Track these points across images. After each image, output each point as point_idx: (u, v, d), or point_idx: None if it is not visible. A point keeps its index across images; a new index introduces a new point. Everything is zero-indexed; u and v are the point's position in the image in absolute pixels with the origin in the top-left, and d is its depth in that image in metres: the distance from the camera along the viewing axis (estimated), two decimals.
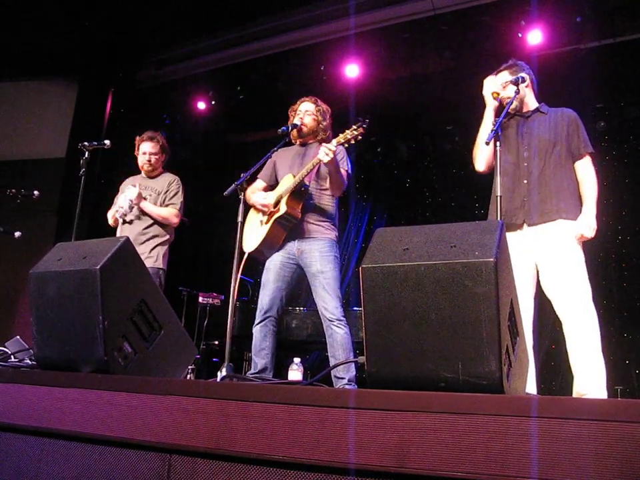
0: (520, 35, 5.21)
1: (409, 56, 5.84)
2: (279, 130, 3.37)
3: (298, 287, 3.87)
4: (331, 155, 3.10)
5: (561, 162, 2.95)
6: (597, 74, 5.32)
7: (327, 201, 3.47)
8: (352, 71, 5.94)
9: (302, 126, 3.53)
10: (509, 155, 2.99)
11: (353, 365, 3.22)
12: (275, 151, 3.45)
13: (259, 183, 3.67)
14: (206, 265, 7.29)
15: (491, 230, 1.59)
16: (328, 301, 3.26)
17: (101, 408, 1.73)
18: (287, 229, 3.38)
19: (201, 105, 6.84)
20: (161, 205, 4.01)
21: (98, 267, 1.93)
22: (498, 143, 2.74)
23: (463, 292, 1.48)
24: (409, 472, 1.27)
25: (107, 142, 3.92)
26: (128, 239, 2.14)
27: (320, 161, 3.15)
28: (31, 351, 2.80)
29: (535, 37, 5.15)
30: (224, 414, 1.53)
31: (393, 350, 1.55)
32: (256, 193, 3.56)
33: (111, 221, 4.08)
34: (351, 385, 3.19)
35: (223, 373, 2.56)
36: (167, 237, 4.02)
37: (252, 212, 3.60)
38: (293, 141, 3.63)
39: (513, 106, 2.96)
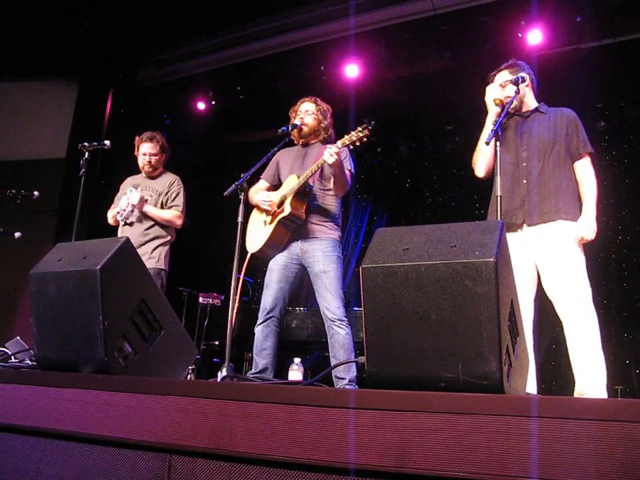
0: (520, 35, 5.20)
1: (409, 56, 5.84)
2: (279, 130, 3.37)
3: (299, 287, 3.88)
4: (336, 157, 3.11)
5: (560, 162, 2.94)
6: (597, 74, 5.32)
7: (330, 201, 3.47)
8: (352, 71, 5.94)
9: (302, 126, 3.53)
10: (508, 155, 2.99)
11: (354, 365, 3.21)
12: (275, 151, 3.45)
13: (262, 183, 3.67)
14: (206, 266, 7.29)
15: (491, 230, 1.59)
16: (330, 301, 3.26)
17: (101, 408, 1.73)
18: (291, 229, 3.38)
19: (201, 105, 6.84)
20: (162, 206, 4.01)
21: (98, 267, 1.93)
22: (498, 143, 2.74)
23: (463, 292, 1.48)
24: (409, 472, 1.27)
25: (107, 142, 3.92)
26: (128, 239, 2.14)
27: (324, 161, 3.16)
28: (31, 351, 2.80)
29: (534, 36, 5.15)
30: (224, 414, 1.53)
31: (393, 350, 1.54)
32: (259, 193, 3.56)
33: (111, 220, 4.08)
34: (351, 385, 3.18)
35: (223, 373, 2.56)
36: (168, 237, 4.02)
37: (255, 212, 3.60)
38: (295, 142, 3.64)
39: (512, 105, 2.96)
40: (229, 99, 6.81)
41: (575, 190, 2.94)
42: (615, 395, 4.21)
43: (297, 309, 5.35)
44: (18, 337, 3.17)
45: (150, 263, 3.80)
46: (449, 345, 1.49)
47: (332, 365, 3.29)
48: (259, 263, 3.49)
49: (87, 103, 6.53)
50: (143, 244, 3.87)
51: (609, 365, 2.71)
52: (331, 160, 3.11)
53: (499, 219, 2.59)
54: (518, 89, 2.93)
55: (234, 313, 3.13)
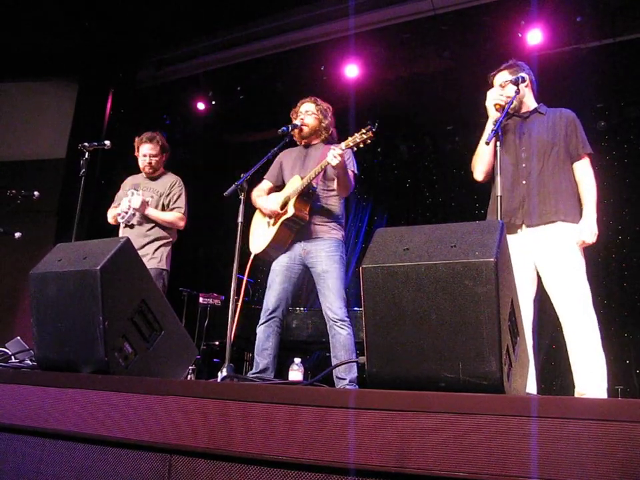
0: (520, 35, 5.20)
1: (409, 56, 5.84)
2: (279, 130, 3.37)
3: (301, 288, 3.88)
4: (339, 159, 3.11)
5: (559, 163, 2.94)
6: (597, 74, 5.32)
7: (333, 202, 3.47)
8: (352, 71, 5.94)
9: (303, 126, 3.53)
10: (507, 155, 2.99)
11: (354, 365, 3.21)
12: (275, 151, 3.45)
13: (265, 184, 3.67)
14: (206, 266, 7.29)
15: (491, 230, 1.59)
16: (332, 301, 3.26)
17: (101, 408, 1.73)
18: (294, 230, 3.38)
19: (201, 105, 6.84)
20: (163, 207, 4.00)
21: (98, 268, 1.93)
22: (498, 143, 2.74)
23: (463, 292, 1.48)
24: (409, 472, 1.27)
25: (107, 142, 3.91)
26: (128, 239, 2.14)
27: (328, 163, 3.16)
28: (31, 351, 2.80)
29: (534, 36, 5.15)
30: (224, 414, 1.53)
31: (393, 350, 1.54)
32: (261, 197, 3.55)
33: (111, 220, 4.08)
34: (352, 385, 3.18)
35: (223, 373, 2.55)
36: (170, 238, 4.01)
37: (259, 213, 3.60)
38: (298, 142, 3.64)
39: (512, 106, 2.95)
40: (229, 99, 6.80)
41: (574, 191, 2.94)
42: (615, 395, 4.21)
43: (297, 309, 5.35)
44: (18, 337, 3.17)
45: (152, 263, 3.80)
46: (449, 344, 1.49)
47: (333, 365, 3.29)
48: (259, 263, 3.49)
49: (87, 103, 6.54)
50: (145, 245, 3.87)
51: (609, 365, 2.71)
52: (334, 162, 3.11)
53: (498, 219, 2.59)
54: (518, 88, 2.92)
55: (236, 314, 3.14)
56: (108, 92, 6.57)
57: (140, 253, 3.74)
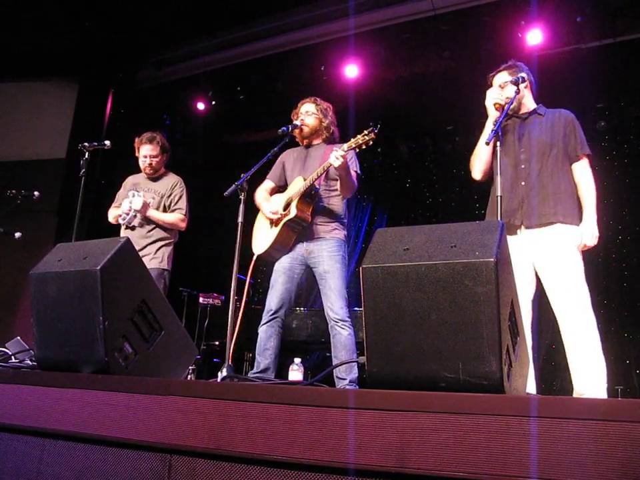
0: (520, 35, 5.20)
1: (409, 56, 5.83)
2: (279, 130, 3.37)
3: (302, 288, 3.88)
4: (342, 160, 3.11)
5: (558, 164, 2.94)
6: (597, 74, 5.32)
7: (335, 202, 3.47)
8: (352, 71, 5.94)
9: (303, 126, 3.53)
10: (506, 156, 2.98)
11: (355, 366, 3.22)
12: (275, 151, 3.44)
13: (268, 184, 3.67)
14: (206, 266, 7.29)
15: (491, 230, 1.59)
16: (334, 301, 3.27)
17: (101, 408, 1.73)
18: (297, 231, 3.38)
19: (201, 105, 6.84)
20: (164, 208, 4.00)
21: (98, 268, 1.93)
22: (498, 143, 2.74)
23: (463, 292, 1.48)
24: (409, 472, 1.27)
25: (107, 142, 3.91)
26: (128, 239, 2.14)
27: (330, 164, 3.16)
28: (31, 351, 2.80)
29: (534, 36, 5.15)
30: (224, 414, 1.53)
31: (393, 350, 1.54)
32: (263, 203, 3.55)
33: (112, 220, 4.07)
34: (352, 385, 3.18)
35: (223, 373, 2.55)
36: (171, 238, 4.01)
37: (261, 214, 3.60)
38: (299, 142, 3.64)
39: (512, 106, 2.95)
40: (228, 99, 6.80)
41: (573, 192, 2.94)
42: (615, 395, 4.21)
43: (297, 309, 5.35)
44: (18, 337, 3.17)
45: (153, 263, 3.80)
46: (449, 344, 1.49)
47: (333, 365, 3.29)
48: (259, 264, 3.49)
49: (87, 103, 6.54)
50: (146, 246, 3.86)
51: (609, 365, 2.71)
52: (337, 163, 3.11)
53: (498, 219, 2.59)
54: (518, 89, 2.92)
55: (239, 315, 3.14)
56: (108, 92, 6.57)
57: (141, 253, 3.75)
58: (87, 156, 3.82)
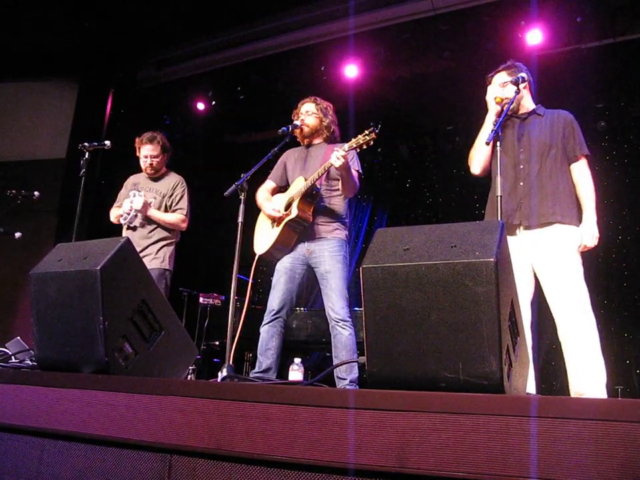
0: (520, 35, 5.20)
1: (409, 56, 5.83)
2: (279, 130, 3.37)
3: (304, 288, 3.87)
4: (343, 160, 3.11)
5: (557, 164, 2.94)
6: (597, 74, 5.32)
7: (337, 201, 3.47)
8: (352, 71, 5.94)
9: (303, 126, 3.53)
10: (505, 156, 2.98)
11: (356, 366, 3.22)
12: (275, 151, 3.44)
13: (269, 184, 3.66)
14: (206, 266, 7.29)
15: (491, 230, 1.59)
16: (335, 301, 3.27)
17: (101, 408, 1.73)
18: (298, 231, 3.38)
19: (201, 105, 6.83)
20: (166, 208, 3.99)
21: (98, 268, 1.93)
22: (498, 143, 2.74)
23: (463, 292, 1.48)
24: (409, 472, 1.27)
25: (107, 142, 3.91)
26: (128, 239, 2.14)
27: (331, 164, 3.16)
28: (31, 351, 2.80)
29: (534, 36, 5.15)
30: (224, 414, 1.53)
31: (393, 350, 1.54)
32: (264, 203, 3.55)
33: (113, 220, 4.07)
34: (352, 385, 3.18)
35: (223, 373, 2.55)
36: (173, 238, 4.00)
37: (263, 214, 3.60)
38: (300, 142, 3.64)
39: (511, 106, 2.95)
40: (229, 99, 6.80)
41: (572, 192, 2.94)
42: (615, 395, 4.21)
43: (297, 309, 5.35)
44: (18, 337, 3.17)
45: (155, 263, 3.79)
46: (449, 345, 1.49)
47: (333, 365, 3.29)
48: (259, 264, 3.49)
49: (87, 103, 6.53)
50: (148, 246, 3.86)
51: (609, 365, 2.71)
52: (338, 163, 3.11)
53: (498, 219, 2.59)
54: (518, 88, 2.92)
55: (242, 316, 3.14)
56: (108, 92, 6.57)
57: (143, 253, 3.75)
58: (87, 156, 3.82)
